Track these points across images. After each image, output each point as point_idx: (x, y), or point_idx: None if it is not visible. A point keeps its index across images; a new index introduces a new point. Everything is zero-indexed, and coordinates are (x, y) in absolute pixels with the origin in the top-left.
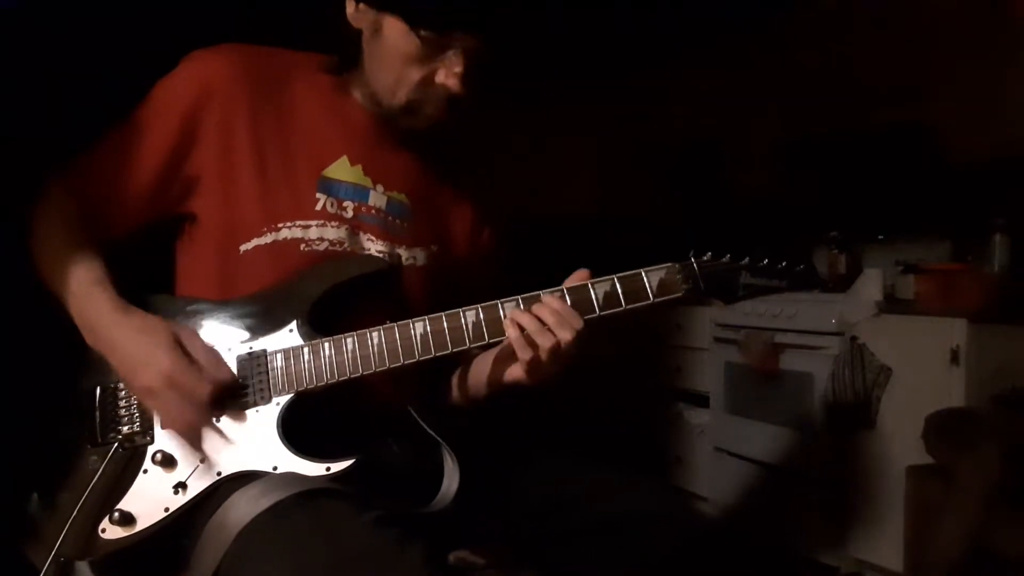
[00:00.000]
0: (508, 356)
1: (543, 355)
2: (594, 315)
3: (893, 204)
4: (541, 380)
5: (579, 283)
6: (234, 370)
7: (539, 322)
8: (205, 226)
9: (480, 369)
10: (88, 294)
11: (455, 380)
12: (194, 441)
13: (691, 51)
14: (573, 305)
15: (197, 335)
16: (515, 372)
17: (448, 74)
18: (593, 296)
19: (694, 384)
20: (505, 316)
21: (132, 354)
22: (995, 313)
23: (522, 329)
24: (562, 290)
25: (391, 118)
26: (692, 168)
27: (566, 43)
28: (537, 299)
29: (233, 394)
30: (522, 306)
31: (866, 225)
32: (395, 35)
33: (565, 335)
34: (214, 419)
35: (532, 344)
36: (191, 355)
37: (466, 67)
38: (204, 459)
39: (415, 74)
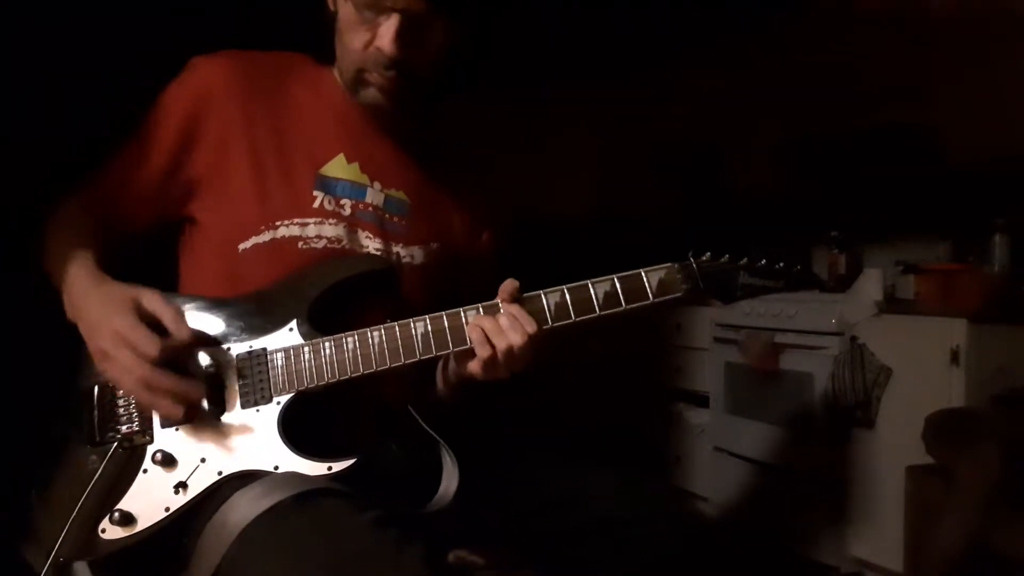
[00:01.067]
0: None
1: (499, 355)
2: (595, 315)
3: (893, 204)
4: (494, 378)
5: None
6: (235, 370)
7: (497, 325)
8: (205, 227)
9: (449, 363)
10: (73, 274)
11: (438, 374)
12: (148, 404)
13: (691, 51)
14: (573, 305)
15: (159, 296)
16: (472, 367)
17: (382, 36)
18: (593, 296)
19: (694, 384)
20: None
21: (91, 318)
22: (995, 313)
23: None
24: (562, 290)
25: (356, 99)
26: (692, 168)
27: (566, 43)
28: (538, 300)
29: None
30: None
31: (866, 225)
32: (340, 6)
33: (516, 339)
34: (216, 417)
35: (489, 343)
36: (151, 314)
37: (401, 28)
38: (205, 458)
39: (357, 40)
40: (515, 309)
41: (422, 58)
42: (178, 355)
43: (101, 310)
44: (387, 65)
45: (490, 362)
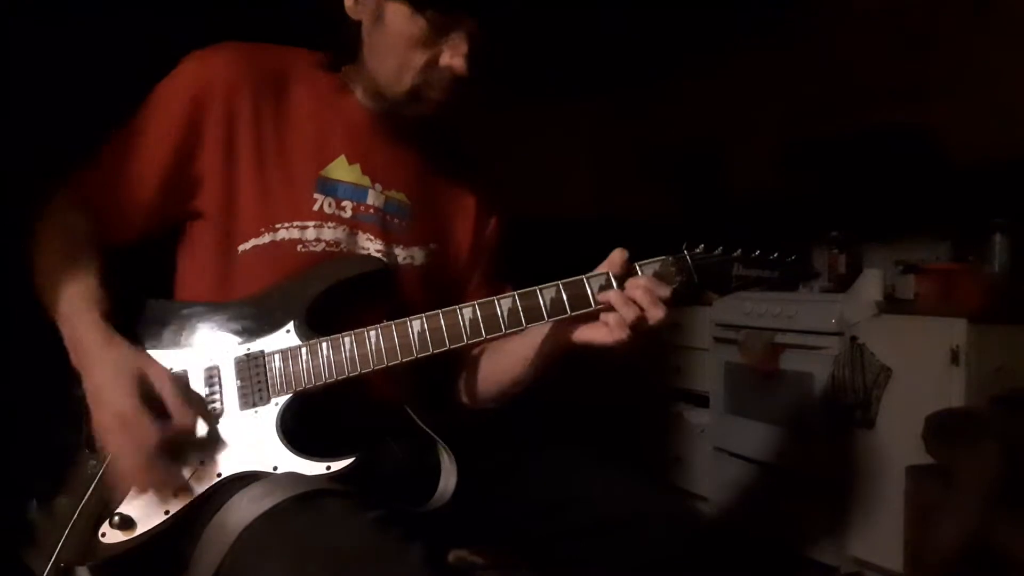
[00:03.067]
0: (589, 327)
1: (639, 325)
2: (591, 310)
3: (893, 204)
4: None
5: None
6: (233, 372)
7: (630, 300)
8: (205, 227)
9: (524, 345)
10: (77, 316)
11: (480, 375)
12: (137, 486)
13: (691, 51)
14: (569, 300)
15: (167, 375)
16: (599, 335)
17: (454, 55)
18: (588, 290)
19: (694, 384)
20: (502, 313)
21: (97, 387)
22: (995, 313)
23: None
24: (557, 285)
25: (395, 108)
26: (692, 168)
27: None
28: (534, 295)
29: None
30: (519, 303)
31: (866, 225)
32: (399, 20)
33: (657, 312)
34: (214, 419)
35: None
36: (158, 396)
37: (470, 48)
38: (204, 461)
39: (420, 58)
40: (645, 281)
41: (475, 71)
42: (177, 448)
43: (108, 380)
44: (452, 83)
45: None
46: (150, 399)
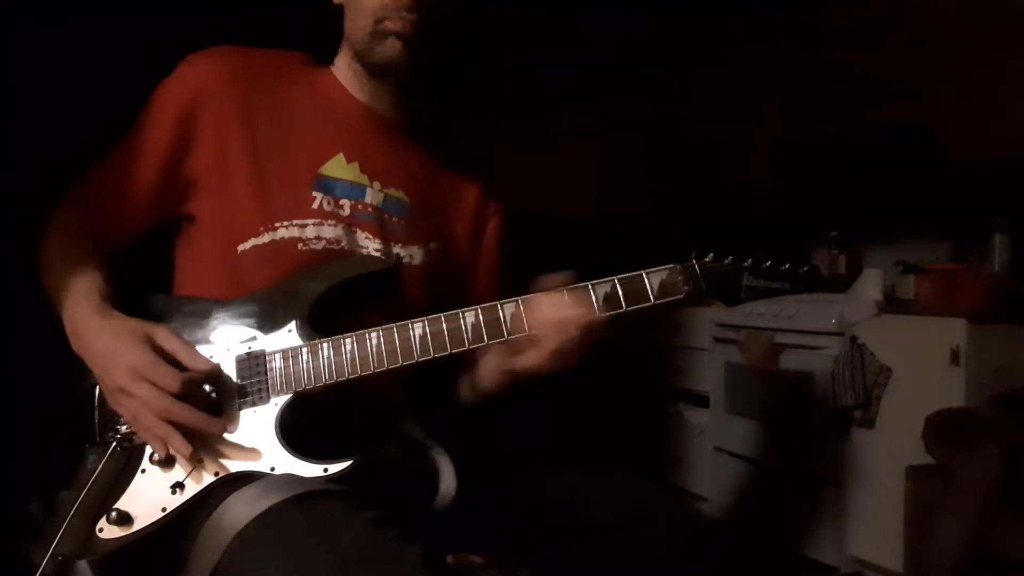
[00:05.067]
0: (525, 347)
1: (570, 343)
2: (593, 316)
3: (893, 204)
4: (561, 367)
5: (579, 284)
6: (233, 371)
7: (558, 312)
8: (203, 227)
9: (494, 361)
10: (75, 303)
11: (467, 377)
12: (162, 439)
13: (691, 51)
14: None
15: (172, 332)
16: (533, 358)
17: None
18: (593, 297)
19: (694, 384)
20: (504, 318)
21: (102, 354)
22: (995, 313)
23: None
24: (562, 291)
25: (367, 61)
26: (693, 168)
27: (567, 43)
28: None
29: (220, 387)
30: (521, 307)
31: (866, 225)
32: None
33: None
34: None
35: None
36: (164, 350)
37: None
38: (202, 459)
39: None
40: (573, 295)
41: (437, 9)
42: (197, 390)
43: (114, 345)
44: (408, 7)
45: (560, 351)
46: (159, 355)
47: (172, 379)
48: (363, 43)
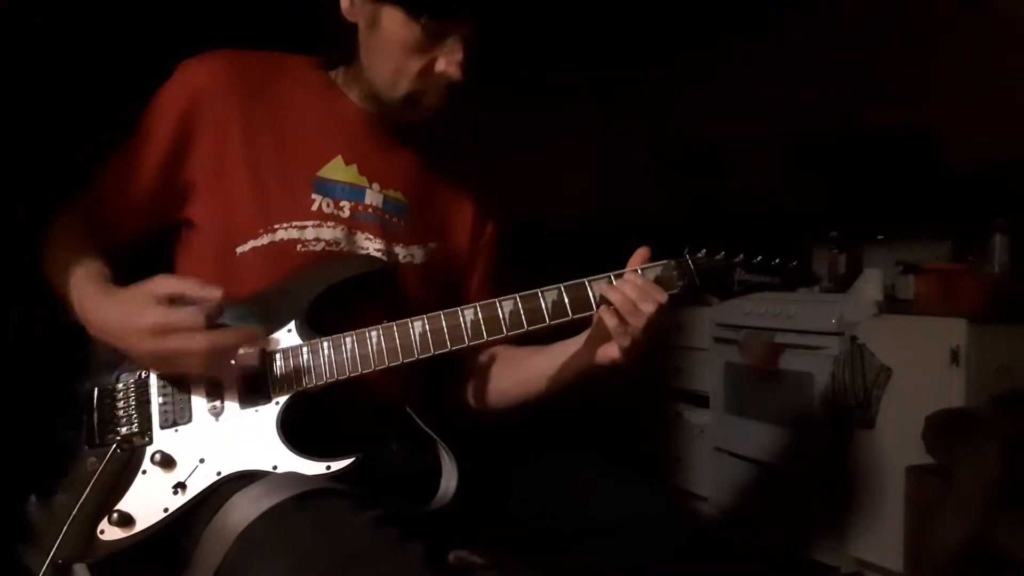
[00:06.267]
0: (597, 341)
1: (638, 333)
2: (592, 313)
3: (893, 204)
4: (633, 360)
5: (644, 263)
6: (232, 372)
7: (629, 301)
8: (202, 230)
9: (546, 363)
10: (80, 291)
11: (496, 385)
12: (218, 372)
13: (692, 51)
14: (570, 303)
15: (170, 279)
16: (608, 353)
17: (449, 62)
18: (590, 294)
19: (694, 384)
20: (503, 315)
21: (118, 329)
22: (995, 313)
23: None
24: (559, 288)
25: (391, 112)
26: (692, 168)
27: (567, 43)
28: (536, 298)
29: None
30: (520, 305)
31: (866, 225)
32: (394, 25)
33: (650, 307)
34: (214, 417)
35: (625, 325)
36: (171, 297)
37: (466, 54)
38: (203, 459)
39: (415, 64)
40: (640, 280)
41: (470, 76)
42: (219, 316)
43: (124, 317)
44: (448, 89)
45: (631, 343)
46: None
47: (194, 317)
48: (388, 97)
